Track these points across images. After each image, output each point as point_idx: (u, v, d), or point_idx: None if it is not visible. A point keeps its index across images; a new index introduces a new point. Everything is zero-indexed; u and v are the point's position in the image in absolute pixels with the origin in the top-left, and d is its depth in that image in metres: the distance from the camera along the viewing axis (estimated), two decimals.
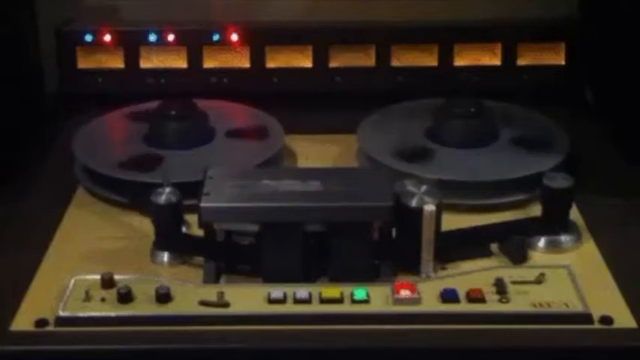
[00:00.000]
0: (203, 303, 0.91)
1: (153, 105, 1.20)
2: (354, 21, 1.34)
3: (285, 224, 0.94)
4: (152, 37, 1.32)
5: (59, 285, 0.93)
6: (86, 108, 1.26)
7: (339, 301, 0.91)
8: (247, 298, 0.91)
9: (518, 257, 0.98)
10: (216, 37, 1.32)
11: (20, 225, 1.06)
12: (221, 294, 0.91)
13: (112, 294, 0.91)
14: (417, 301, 0.91)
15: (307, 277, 0.95)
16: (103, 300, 0.91)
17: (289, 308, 0.90)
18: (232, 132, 1.18)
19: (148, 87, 1.32)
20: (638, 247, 1.01)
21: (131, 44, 1.32)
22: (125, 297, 0.90)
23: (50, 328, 0.89)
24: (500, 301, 0.91)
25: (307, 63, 1.33)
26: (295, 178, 0.98)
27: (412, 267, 0.96)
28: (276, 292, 0.91)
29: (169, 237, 0.98)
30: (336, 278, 0.94)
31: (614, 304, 0.92)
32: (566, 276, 0.94)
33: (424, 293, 0.91)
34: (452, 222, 1.00)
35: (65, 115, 1.29)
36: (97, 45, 1.32)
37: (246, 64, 1.33)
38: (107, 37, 1.32)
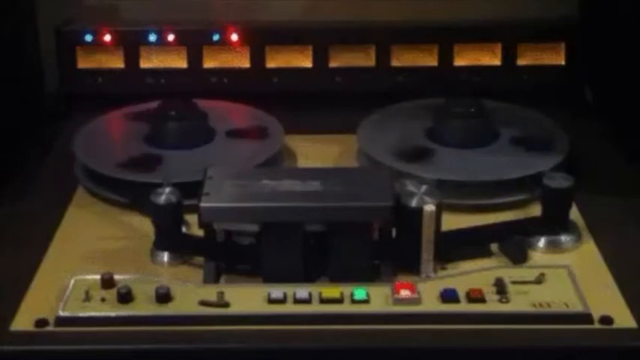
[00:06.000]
0: (203, 303, 0.91)
1: (153, 105, 1.20)
2: (354, 21, 1.34)
3: (285, 224, 0.94)
4: (152, 37, 1.32)
5: (59, 285, 0.93)
6: (86, 108, 1.26)
7: (339, 301, 0.91)
8: (247, 298, 0.91)
9: (518, 257, 0.98)
10: (216, 37, 1.32)
11: (20, 225, 1.06)
12: (221, 294, 0.91)
13: (112, 294, 0.91)
14: (417, 301, 0.91)
15: (307, 277, 0.95)
16: (103, 300, 0.91)
17: (289, 308, 0.90)
18: (232, 132, 1.18)
19: (148, 87, 1.32)
20: (638, 247, 1.01)
21: (131, 44, 1.32)
22: (125, 297, 0.90)
23: (50, 328, 0.89)
24: (500, 301, 0.91)
25: (307, 63, 1.33)
26: (295, 178, 0.98)
27: (412, 267, 0.96)
28: (276, 292, 0.91)
29: (169, 237, 0.98)
30: (336, 278, 0.94)
31: (614, 304, 0.92)
32: (566, 276, 0.94)
33: (424, 293, 0.91)
34: (452, 222, 1.00)
35: (65, 115, 1.29)
36: (97, 45, 1.32)
37: (246, 64, 1.33)
38: (107, 37, 1.32)
